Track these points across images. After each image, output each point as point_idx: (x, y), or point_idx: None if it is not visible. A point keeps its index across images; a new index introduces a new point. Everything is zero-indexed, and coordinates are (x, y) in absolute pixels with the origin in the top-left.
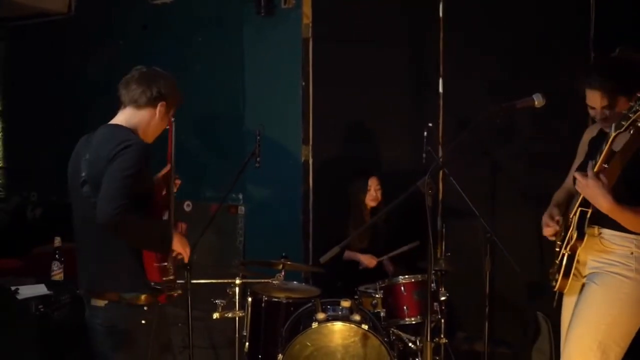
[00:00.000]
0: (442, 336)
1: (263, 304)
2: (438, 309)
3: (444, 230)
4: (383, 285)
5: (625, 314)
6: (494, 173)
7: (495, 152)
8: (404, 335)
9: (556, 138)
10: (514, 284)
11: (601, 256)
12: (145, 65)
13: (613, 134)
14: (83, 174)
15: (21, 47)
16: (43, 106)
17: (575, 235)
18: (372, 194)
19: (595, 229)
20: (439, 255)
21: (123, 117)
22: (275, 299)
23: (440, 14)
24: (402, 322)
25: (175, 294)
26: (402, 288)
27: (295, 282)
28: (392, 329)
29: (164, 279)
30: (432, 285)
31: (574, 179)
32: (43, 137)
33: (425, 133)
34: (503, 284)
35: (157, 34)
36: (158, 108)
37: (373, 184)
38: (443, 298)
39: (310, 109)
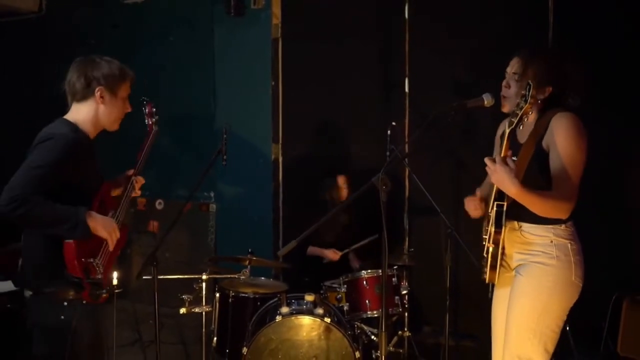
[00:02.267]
0: (405, 329)
1: (230, 299)
2: (399, 302)
3: (407, 226)
4: (346, 280)
5: (553, 300)
6: (458, 171)
7: (460, 151)
8: (366, 328)
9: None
10: (478, 279)
11: (524, 248)
12: (83, 56)
13: (507, 131)
14: None
15: None
16: (15, 104)
17: (493, 230)
18: (344, 191)
19: (516, 224)
20: (404, 250)
21: (70, 114)
22: (243, 294)
23: (406, 16)
24: (364, 316)
25: (104, 295)
26: (365, 282)
27: (262, 278)
28: (357, 323)
29: (91, 276)
30: (394, 279)
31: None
32: (16, 135)
33: (389, 132)
34: (467, 279)
35: (129, 33)
36: (97, 94)
37: (342, 181)
38: (404, 292)
39: (279, 108)
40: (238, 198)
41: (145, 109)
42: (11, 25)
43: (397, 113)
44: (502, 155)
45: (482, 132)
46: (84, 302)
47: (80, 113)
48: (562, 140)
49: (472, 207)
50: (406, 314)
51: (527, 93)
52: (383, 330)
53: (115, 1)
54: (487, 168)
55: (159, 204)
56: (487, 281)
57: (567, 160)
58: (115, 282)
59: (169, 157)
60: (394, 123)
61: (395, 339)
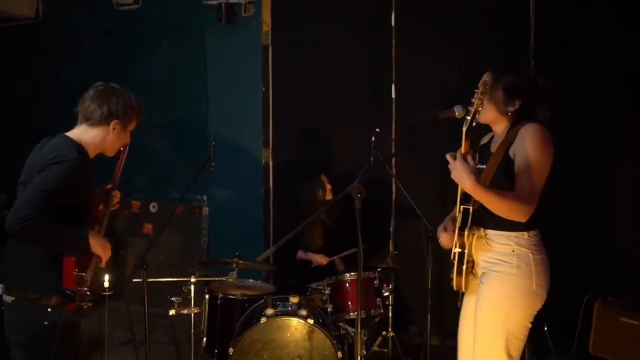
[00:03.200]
0: (389, 330)
1: (219, 301)
2: (381, 304)
3: (393, 229)
4: (330, 282)
5: (515, 308)
6: (443, 175)
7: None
8: (350, 329)
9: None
10: None
11: (487, 256)
12: (104, 82)
13: (464, 130)
14: (22, 176)
15: None
16: (13, 109)
17: (457, 233)
18: (329, 189)
19: (482, 231)
20: (390, 253)
21: (77, 132)
22: (231, 296)
23: (393, 23)
24: (347, 317)
25: (85, 306)
26: (347, 284)
27: (251, 280)
28: (341, 324)
29: (78, 288)
30: (375, 282)
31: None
32: (12, 139)
33: (373, 138)
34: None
35: (123, 39)
36: (111, 126)
37: (325, 180)
38: (386, 294)
39: (270, 113)
40: (230, 201)
41: None
42: (8, 30)
43: (384, 118)
44: (463, 151)
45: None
46: (68, 311)
47: (88, 135)
48: (527, 146)
49: (445, 239)
50: (390, 315)
51: (478, 91)
52: (359, 330)
53: (110, 7)
54: (449, 165)
55: (153, 207)
56: (454, 287)
57: (530, 165)
58: (106, 284)
59: (163, 161)
60: (377, 129)
61: (379, 339)
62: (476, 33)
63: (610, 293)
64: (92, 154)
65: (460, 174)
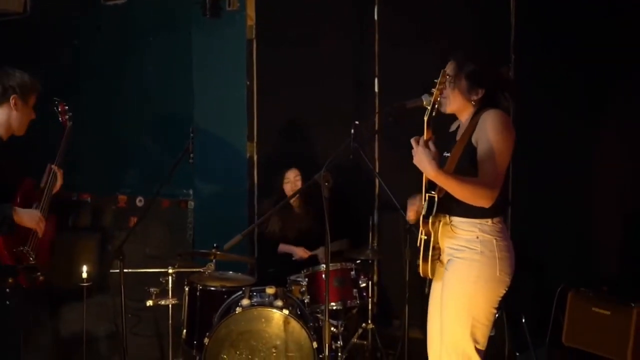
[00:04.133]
0: (369, 322)
1: (198, 293)
2: (357, 295)
3: (375, 222)
4: (307, 273)
5: (478, 294)
6: None
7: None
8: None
9: (447, 135)
10: None
11: (452, 242)
12: None
13: (425, 119)
14: None
15: None
16: None
17: (422, 220)
18: (292, 185)
19: (447, 218)
20: (371, 246)
21: None
22: (210, 288)
23: (375, 17)
24: (323, 307)
25: (41, 278)
26: (323, 275)
27: (231, 272)
28: (319, 315)
29: (24, 263)
30: (352, 273)
31: None
32: None
33: (353, 130)
34: None
35: (110, 34)
36: (12, 102)
37: (291, 175)
38: (363, 285)
39: (254, 107)
40: (215, 195)
41: (57, 108)
42: None
43: (367, 112)
44: (425, 137)
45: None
46: (24, 286)
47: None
48: (488, 133)
49: (411, 211)
50: (370, 307)
51: (437, 81)
52: (327, 319)
53: (97, 3)
54: (412, 150)
55: (139, 202)
56: (421, 274)
57: (492, 150)
58: (84, 275)
59: (149, 156)
60: (357, 122)
61: (359, 331)
62: (458, 27)
63: (586, 285)
64: (4, 135)
65: (422, 160)
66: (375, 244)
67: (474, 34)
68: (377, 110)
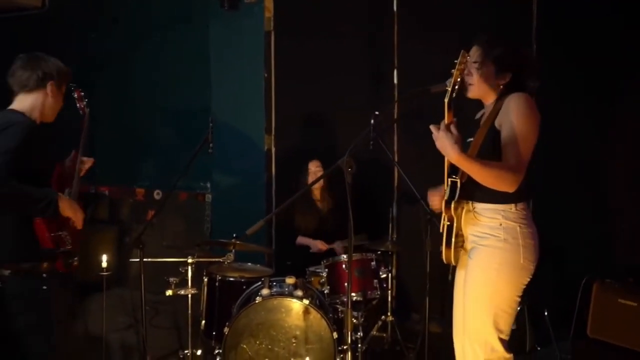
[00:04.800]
0: (388, 314)
1: (217, 283)
2: (378, 285)
3: (394, 214)
4: (327, 263)
5: (502, 282)
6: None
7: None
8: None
9: (473, 122)
10: None
11: (475, 230)
12: (26, 53)
13: (446, 101)
14: None
15: None
16: None
17: (444, 205)
18: (314, 176)
19: (470, 204)
20: (389, 237)
21: (16, 103)
22: (229, 278)
23: (394, 8)
24: (344, 298)
25: (75, 263)
26: (344, 266)
27: (249, 264)
28: (339, 306)
29: (62, 248)
30: (372, 263)
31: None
32: None
33: (372, 121)
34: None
35: (128, 27)
36: (48, 88)
37: (313, 166)
38: (383, 275)
39: (272, 100)
40: (233, 188)
41: (74, 94)
42: (14, 20)
43: (385, 104)
44: (446, 122)
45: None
46: (60, 271)
47: (27, 102)
48: (512, 116)
49: (433, 200)
50: (389, 300)
51: (457, 62)
52: (349, 307)
53: None
54: (433, 135)
55: (157, 194)
56: (444, 260)
57: (516, 134)
58: (104, 264)
59: (167, 148)
60: (377, 112)
61: (379, 323)
62: (479, 17)
63: (610, 276)
64: (37, 120)
65: (444, 144)
66: (395, 236)
67: (496, 23)
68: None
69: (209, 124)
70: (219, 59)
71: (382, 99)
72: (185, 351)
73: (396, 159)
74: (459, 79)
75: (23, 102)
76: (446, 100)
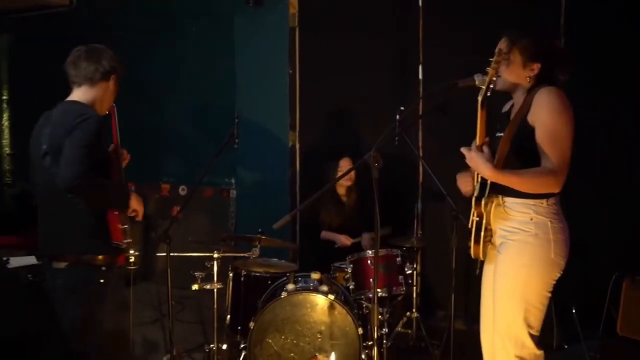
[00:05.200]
0: (413, 310)
1: (242, 278)
2: (403, 281)
3: (419, 210)
4: (352, 259)
5: (533, 277)
6: None
7: (472, 136)
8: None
9: (501, 115)
10: None
11: (505, 224)
12: (83, 45)
13: (479, 99)
14: (44, 147)
15: (26, 39)
16: (48, 95)
17: (474, 201)
18: (351, 175)
19: (500, 198)
20: (415, 233)
21: (78, 94)
22: (254, 274)
23: (420, 3)
24: (368, 294)
25: (133, 258)
26: (369, 261)
27: (275, 259)
28: (363, 302)
29: (125, 240)
30: (398, 259)
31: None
32: None
33: (398, 116)
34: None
35: (154, 24)
36: (112, 81)
37: (345, 164)
38: (409, 272)
39: (297, 96)
40: (257, 184)
41: None
42: (42, 18)
43: (410, 100)
44: (478, 142)
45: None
46: (117, 265)
47: (91, 95)
48: (545, 114)
49: (464, 183)
50: (414, 296)
51: (493, 60)
52: (375, 302)
53: None
54: (465, 159)
55: (182, 190)
56: (472, 256)
57: (554, 135)
58: (132, 259)
59: (192, 145)
60: (402, 108)
61: (404, 319)
62: (505, 11)
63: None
64: (98, 112)
65: (477, 164)
66: (420, 232)
67: (521, 18)
68: (421, 97)
69: (234, 120)
70: (244, 55)
71: (407, 95)
72: (211, 345)
73: (421, 154)
74: (494, 78)
75: (87, 94)
76: (480, 98)
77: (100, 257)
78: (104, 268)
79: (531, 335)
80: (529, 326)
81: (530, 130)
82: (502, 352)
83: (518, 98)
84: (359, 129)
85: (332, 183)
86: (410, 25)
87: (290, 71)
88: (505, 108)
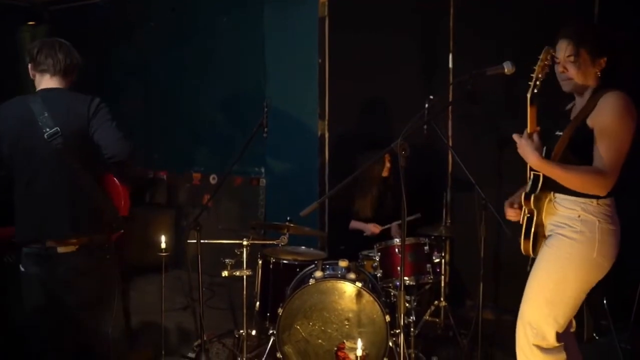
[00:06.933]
0: (441, 299)
1: (271, 266)
2: (431, 270)
3: (448, 200)
4: (380, 247)
5: (570, 273)
6: (500, 145)
7: (503, 126)
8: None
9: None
10: (520, 252)
11: (554, 219)
12: (53, 38)
13: (528, 96)
14: (49, 130)
15: (61, 30)
16: (80, 86)
17: (524, 198)
18: (387, 165)
19: (551, 195)
20: (443, 222)
21: (58, 84)
22: (283, 261)
23: None
24: (396, 282)
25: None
26: (397, 250)
27: (303, 247)
28: (391, 290)
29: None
30: (425, 248)
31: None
32: None
33: (427, 105)
34: (510, 253)
35: (185, 16)
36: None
37: (387, 158)
38: (437, 260)
39: (326, 85)
40: (286, 173)
41: None
42: (80, 9)
43: (440, 89)
44: (528, 130)
45: (524, 106)
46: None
47: (63, 86)
48: (606, 116)
49: (513, 214)
50: (443, 285)
51: (540, 57)
52: (402, 289)
53: None
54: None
55: (212, 179)
56: (523, 252)
57: (611, 137)
58: (163, 245)
59: (222, 134)
60: (431, 97)
61: (432, 308)
62: (534, 3)
63: None
64: None
65: (525, 151)
66: (449, 221)
67: (552, 9)
68: (451, 87)
69: (263, 109)
70: (273, 44)
71: (437, 84)
72: (240, 331)
73: (450, 143)
74: (540, 75)
75: (66, 85)
76: (528, 95)
77: (107, 236)
78: (107, 246)
79: (554, 330)
80: (555, 320)
81: (589, 133)
82: (522, 338)
83: (582, 99)
84: (388, 119)
85: (356, 173)
86: (440, 13)
87: (320, 61)
88: (569, 106)
